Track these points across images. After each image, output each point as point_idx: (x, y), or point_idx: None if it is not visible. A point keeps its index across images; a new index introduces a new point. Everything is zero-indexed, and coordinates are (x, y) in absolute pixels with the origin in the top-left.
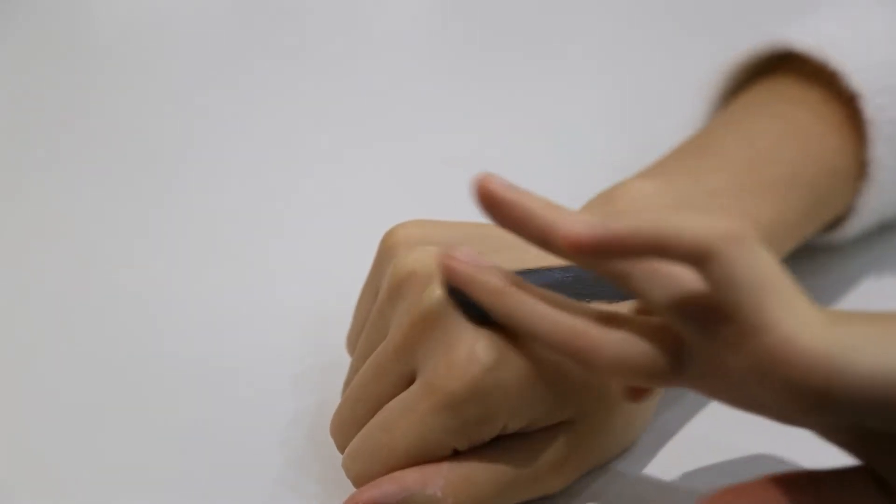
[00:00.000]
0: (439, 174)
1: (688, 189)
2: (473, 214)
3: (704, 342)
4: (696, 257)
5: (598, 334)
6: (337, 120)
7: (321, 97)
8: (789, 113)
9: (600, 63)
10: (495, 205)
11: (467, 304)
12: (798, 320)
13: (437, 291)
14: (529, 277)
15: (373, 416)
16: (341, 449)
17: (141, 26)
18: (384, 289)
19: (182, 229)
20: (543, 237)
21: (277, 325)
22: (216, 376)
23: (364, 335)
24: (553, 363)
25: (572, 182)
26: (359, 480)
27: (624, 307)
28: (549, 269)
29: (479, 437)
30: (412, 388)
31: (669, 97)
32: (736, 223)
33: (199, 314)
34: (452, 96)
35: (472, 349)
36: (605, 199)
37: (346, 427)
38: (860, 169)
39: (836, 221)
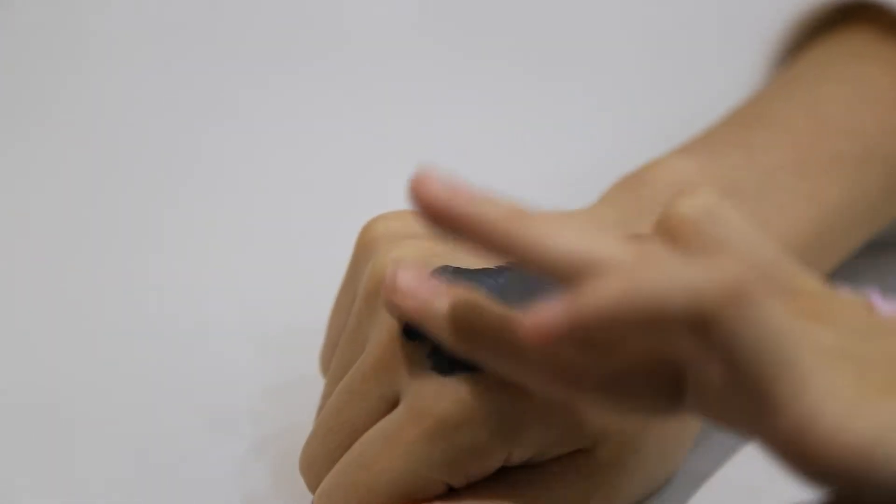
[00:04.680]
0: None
1: (738, 167)
2: None
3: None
4: (691, 330)
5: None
6: (308, 113)
7: (296, 93)
8: (863, 74)
9: (602, 50)
10: (439, 218)
11: None
12: (818, 395)
13: None
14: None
15: (349, 447)
16: (312, 488)
17: (117, 25)
18: (361, 293)
19: (124, 229)
20: (509, 256)
21: (234, 338)
22: (160, 399)
23: (339, 351)
24: None
25: (575, 174)
26: None
27: None
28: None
29: (478, 470)
30: (395, 413)
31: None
32: (733, 271)
33: (139, 324)
34: (440, 89)
35: None
36: (633, 183)
37: (318, 462)
38: None
39: None
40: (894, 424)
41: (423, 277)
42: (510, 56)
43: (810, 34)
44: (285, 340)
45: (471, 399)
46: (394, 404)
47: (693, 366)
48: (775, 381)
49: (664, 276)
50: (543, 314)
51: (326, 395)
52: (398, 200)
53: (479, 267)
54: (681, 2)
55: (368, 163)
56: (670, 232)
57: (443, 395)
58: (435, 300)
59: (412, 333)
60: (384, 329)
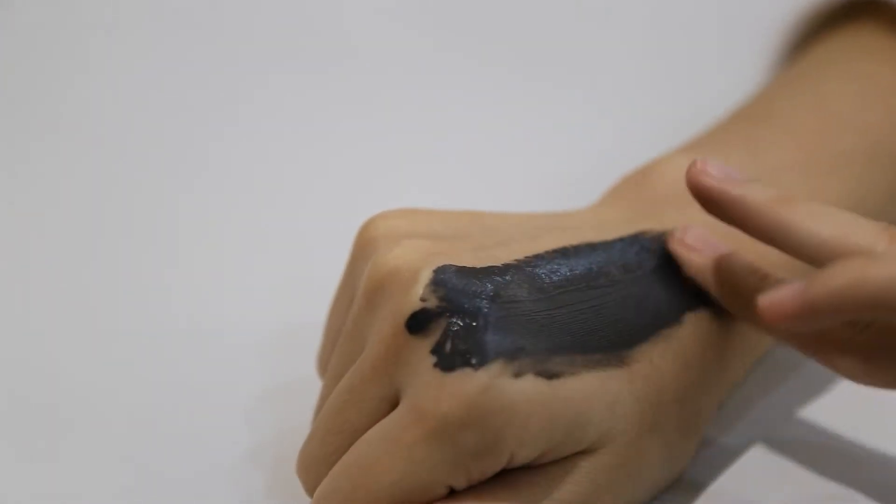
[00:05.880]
0: (424, 169)
1: (742, 166)
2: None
3: None
4: None
5: None
6: (307, 114)
7: (295, 94)
8: (870, 70)
9: (603, 50)
10: (711, 202)
11: (463, 305)
12: None
13: (423, 291)
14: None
15: (348, 449)
16: (310, 490)
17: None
18: (361, 292)
19: (121, 230)
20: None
21: (232, 339)
22: (157, 400)
23: (337, 350)
24: (568, 375)
25: (576, 174)
26: None
27: None
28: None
29: (480, 471)
30: (394, 413)
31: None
32: None
33: (136, 325)
34: (440, 90)
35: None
36: (639, 179)
37: (316, 464)
38: None
39: None
40: None
41: (708, 238)
42: (511, 56)
43: (814, 31)
44: (283, 341)
45: (473, 398)
46: (395, 404)
47: None
48: None
49: (892, 269)
50: (779, 295)
51: (324, 396)
52: (397, 200)
53: (482, 266)
54: (681, 2)
55: (368, 163)
56: None
57: (445, 394)
58: (711, 258)
59: (415, 326)
60: (385, 327)
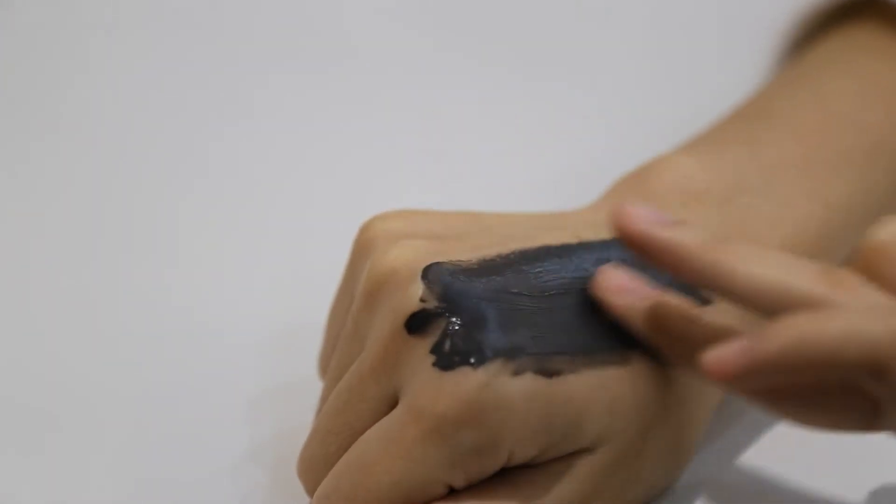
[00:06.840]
0: (424, 169)
1: (741, 164)
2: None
3: None
4: (868, 373)
5: None
6: (307, 114)
7: (294, 94)
8: (869, 69)
9: (603, 50)
10: (641, 247)
11: (462, 305)
12: None
13: (422, 291)
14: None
15: (347, 450)
16: (311, 491)
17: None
18: (360, 293)
19: (121, 230)
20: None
21: (233, 339)
22: (158, 400)
23: (337, 351)
24: (568, 373)
25: (576, 174)
26: None
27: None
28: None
29: (479, 470)
30: (393, 413)
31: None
32: None
33: (136, 325)
34: (440, 91)
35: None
36: (638, 178)
37: (316, 464)
38: None
39: None
40: None
41: (633, 279)
42: (511, 56)
43: (814, 31)
44: (283, 341)
45: (472, 397)
46: (394, 404)
47: (883, 396)
48: None
49: (841, 327)
50: (724, 353)
51: (325, 397)
52: (397, 200)
53: (480, 266)
54: (681, 2)
55: (368, 163)
56: (866, 261)
57: (443, 393)
58: (639, 301)
59: (414, 327)
60: (384, 327)
